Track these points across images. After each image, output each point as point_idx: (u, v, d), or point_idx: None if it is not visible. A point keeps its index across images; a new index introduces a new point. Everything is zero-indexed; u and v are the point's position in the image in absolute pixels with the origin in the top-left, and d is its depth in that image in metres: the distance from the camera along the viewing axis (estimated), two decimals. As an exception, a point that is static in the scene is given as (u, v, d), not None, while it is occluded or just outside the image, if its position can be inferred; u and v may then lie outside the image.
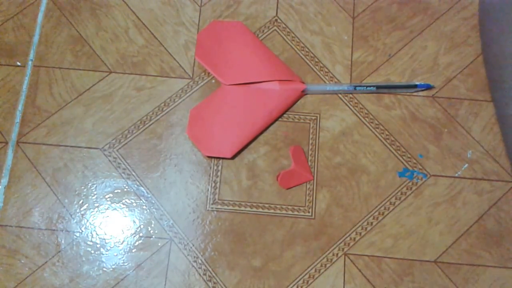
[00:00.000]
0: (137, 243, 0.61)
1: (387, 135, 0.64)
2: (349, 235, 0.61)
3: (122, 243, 0.61)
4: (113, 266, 0.60)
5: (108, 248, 0.61)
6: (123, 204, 0.62)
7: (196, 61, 0.67)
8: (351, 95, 0.66)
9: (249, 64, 0.65)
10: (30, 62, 0.68)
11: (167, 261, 0.60)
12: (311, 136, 0.64)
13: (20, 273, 0.60)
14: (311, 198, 0.62)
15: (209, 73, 0.67)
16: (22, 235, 0.61)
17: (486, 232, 0.61)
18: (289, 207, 0.62)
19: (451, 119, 0.65)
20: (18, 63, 0.68)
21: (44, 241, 0.61)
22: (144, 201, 0.62)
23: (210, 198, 0.62)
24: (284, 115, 0.65)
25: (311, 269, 0.60)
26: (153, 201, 0.62)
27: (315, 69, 0.67)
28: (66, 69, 0.67)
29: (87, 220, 0.62)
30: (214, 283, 0.59)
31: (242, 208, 0.62)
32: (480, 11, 0.66)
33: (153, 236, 0.61)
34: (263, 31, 0.69)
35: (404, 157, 0.64)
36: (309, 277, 0.59)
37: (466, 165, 0.63)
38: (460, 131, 0.64)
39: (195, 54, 0.66)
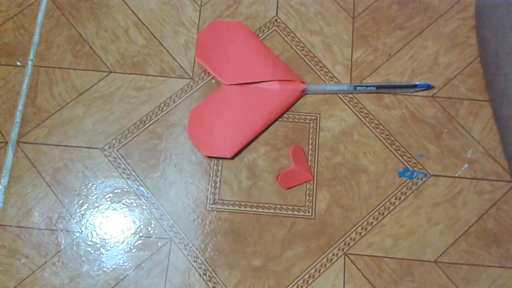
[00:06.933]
0: (137, 243, 0.61)
1: (387, 135, 0.64)
2: (349, 235, 0.61)
3: (122, 243, 0.61)
4: (113, 266, 0.60)
5: (108, 248, 0.61)
6: (123, 204, 0.62)
7: (196, 61, 0.67)
8: (351, 95, 0.66)
9: (249, 64, 0.65)
10: (30, 62, 0.68)
11: (167, 261, 0.60)
12: (311, 136, 0.64)
13: (20, 273, 0.60)
14: (311, 198, 0.62)
15: (209, 73, 0.67)
16: (22, 235, 0.61)
17: (486, 232, 0.61)
18: (289, 207, 0.62)
19: (451, 119, 0.65)
20: (18, 63, 0.68)
21: (44, 241, 0.61)
22: (144, 201, 0.62)
23: (210, 198, 0.62)
24: (284, 115, 0.65)
25: (311, 269, 0.60)
26: (153, 201, 0.62)
27: (315, 69, 0.67)
28: (66, 69, 0.67)
29: (87, 220, 0.62)
30: (214, 283, 0.59)
31: (242, 208, 0.62)
32: (477, 11, 0.66)
33: (153, 236, 0.61)
34: (263, 31, 0.69)
35: (404, 157, 0.64)
36: (309, 277, 0.59)
37: (466, 165, 0.63)
38: (460, 131, 0.64)
39: (195, 54, 0.66)
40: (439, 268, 0.60)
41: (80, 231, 0.61)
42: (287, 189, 0.62)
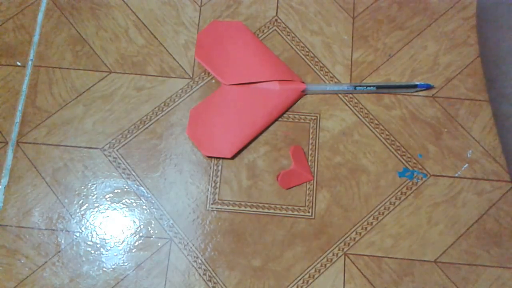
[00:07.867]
0: (137, 243, 0.61)
1: (387, 135, 0.64)
2: (349, 235, 0.61)
3: (122, 243, 0.61)
4: (113, 266, 0.60)
5: (108, 248, 0.61)
6: (123, 204, 0.62)
7: (196, 61, 0.67)
8: (351, 95, 0.66)
9: (249, 64, 0.65)
10: (30, 62, 0.68)
11: (167, 261, 0.60)
12: (311, 136, 0.64)
13: (20, 273, 0.60)
14: (311, 198, 0.62)
15: (209, 73, 0.67)
16: (22, 235, 0.61)
17: (486, 232, 0.61)
18: (289, 207, 0.62)
19: (451, 119, 0.65)
20: (18, 63, 0.68)
21: (44, 241, 0.61)
22: (144, 201, 0.62)
23: (210, 198, 0.62)
24: (284, 115, 0.65)
25: (311, 269, 0.60)
26: (153, 201, 0.62)
27: (315, 69, 0.67)
28: (66, 69, 0.67)
29: (87, 220, 0.62)
30: (214, 283, 0.59)
31: (242, 208, 0.62)
32: (478, 9, 0.66)
33: (153, 236, 0.61)
34: (263, 31, 0.69)
35: (404, 157, 0.64)
36: (309, 277, 0.59)
37: (466, 165, 0.63)
38: (460, 131, 0.64)
39: (195, 54, 0.66)
40: (439, 268, 0.60)
41: (80, 231, 0.61)
42: (287, 189, 0.62)
